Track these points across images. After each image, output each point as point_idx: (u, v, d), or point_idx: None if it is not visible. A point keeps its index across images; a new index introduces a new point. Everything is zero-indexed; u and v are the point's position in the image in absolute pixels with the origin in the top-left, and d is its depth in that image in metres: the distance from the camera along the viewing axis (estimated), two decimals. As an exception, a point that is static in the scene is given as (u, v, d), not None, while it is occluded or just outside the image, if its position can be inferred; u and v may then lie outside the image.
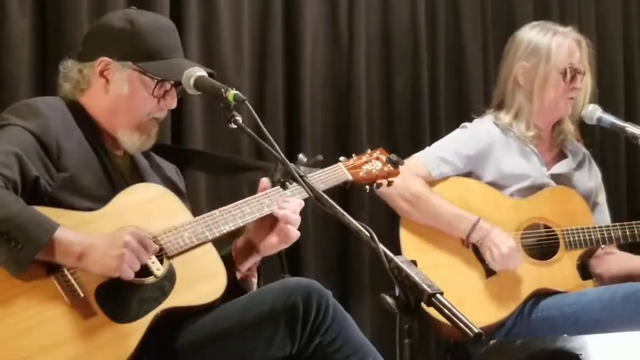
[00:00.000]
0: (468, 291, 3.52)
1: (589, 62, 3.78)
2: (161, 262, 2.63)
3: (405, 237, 3.61)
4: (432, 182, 3.66)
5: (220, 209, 2.75)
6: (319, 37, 4.18)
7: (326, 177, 2.93)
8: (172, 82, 2.77)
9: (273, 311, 2.61)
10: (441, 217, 3.59)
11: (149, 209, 2.68)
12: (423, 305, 2.06)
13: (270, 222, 2.82)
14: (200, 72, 2.66)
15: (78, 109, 2.78)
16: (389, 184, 3.11)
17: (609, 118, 3.70)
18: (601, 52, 4.82)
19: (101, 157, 2.75)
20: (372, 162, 3.07)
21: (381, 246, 2.16)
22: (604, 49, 4.87)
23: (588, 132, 4.11)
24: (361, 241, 2.24)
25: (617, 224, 3.68)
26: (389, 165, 3.09)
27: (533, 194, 3.68)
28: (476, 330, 2.00)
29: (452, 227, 3.58)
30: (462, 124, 3.83)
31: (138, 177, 2.85)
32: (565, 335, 2.58)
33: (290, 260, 3.53)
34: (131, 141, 2.79)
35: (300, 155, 3.05)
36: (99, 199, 2.65)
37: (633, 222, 3.65)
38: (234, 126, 2.53)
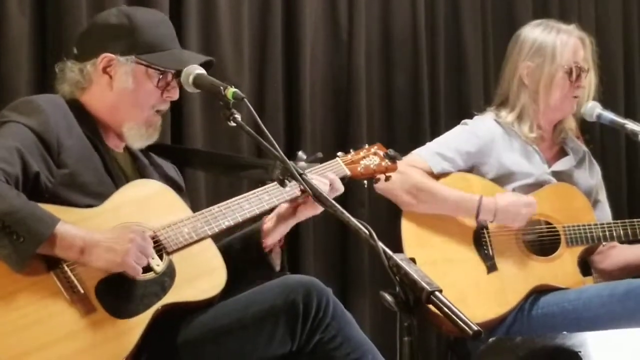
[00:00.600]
0: (469, 286, 3.52)
1: (592, 59, 3.78)
2: (161, 258, 2.64)
3: (407, 231, 3.61)
4: (434, 178, 3.65)
5: (219, 204, 2.75)
6: (319, 35, 4.18)
7: (324, 173, 2.93)
8: (173, 72, 2.79)
9: (273, 308, 2.62)
10: (445, 202, 3.58)
11: (148, 205, 2.68)
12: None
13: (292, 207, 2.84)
14: (199, 69, 2.68)
15: (78, 106, 2.79)
16: (387, 179, 3.11)
17: (609, 115, 3.71)
18: (601, 51, 4.83)
19: (102, 154, 2.75)
20: (370, 157, 3.07)
21: (380, 244, 2.17)
22: (604, 47, 4.87)
23: (588, 130, 4.11)
24: (360, 239, 2.24)
25: (618, 221, 3.68)
26: (387, 161, 3.09)
27: (534, 191, 3.67)
28: (475, 328, 2.01)
29: (458, 209, 3.58)
30: (463, 121, 3.83)
31: (138, 174, 2.86)
32: (565, 332, 2.57)
33: (290, 257, 3.52)
34: (138, 134, 2.81)
35: (300, 153, 3.05)
36: (99, 196, 2.66)
37: (634, 220, 3.65)
38: (233, 124, 2.54)
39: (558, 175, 3.75)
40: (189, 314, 2.67)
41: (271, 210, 2.84)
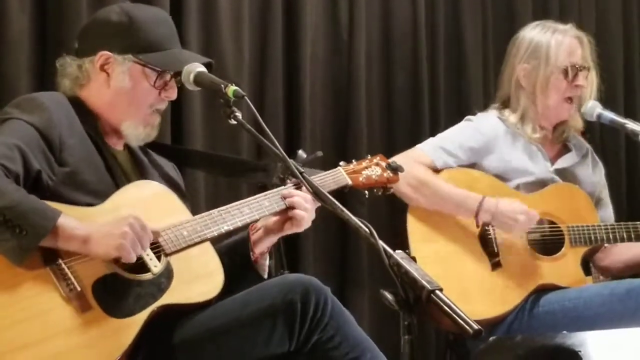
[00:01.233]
0: (472, 283, 3.53)
1: (592, 58, 3.76)
2: (159, 259, 2.63)
3: (413, 225, 3.61)
4: (438, 173, 3.65)
5: (219, 208, 2.74)
6: (319, 33, 4.18)
7: (325, 181, 2.93)
8: (172, 72, 2.78)
9: (271, 308, 2.61)
10: (447, 199, 3.58)
11: (148, 206, 2.67)
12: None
13: (282, 215, 2.85)
14: (200, 67, 2.68)
15: (79, 104, 2.78)
16: (387, 190, 3.11)
17: (609, 114, 3.70)
18: (601, 50, 4.83)
19: (102, 152, 2.75)
20: (372, 168, 3.08)
21: (380, 242, 2.16)
22: (604, 47, 4.87)
23: (589, 129, 4.10)
24: (360, 237, 2.24)
25: (622, 223, 3.68)
26: (389, 172, 3.10)
27: (537, 189, 3.67)
28: (476, 327, 2.00)
29: (459, 208, 3.58)
30: (467, 117, 3.83)
31: (138, 173, 2.86)
32: (565, 331, 2.57)
33: (289, 256, 3.52)
34: (136, 133, 2.80)
35: (300, 152, 3.05)
36: (100, 195, 2.66)
37: (638, 222, 3.65)
38: (234, 122, 2.54)
39: (561, 172, 3.75)
40: (186, 314, 2.66)
41: (272, 216, 2.85)
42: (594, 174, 3.86)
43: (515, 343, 2.47)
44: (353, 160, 3.10)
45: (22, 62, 3.39)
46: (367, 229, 2.21)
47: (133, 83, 2.77)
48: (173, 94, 2.83)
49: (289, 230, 2.86)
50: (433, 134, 3.95)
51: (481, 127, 3.73)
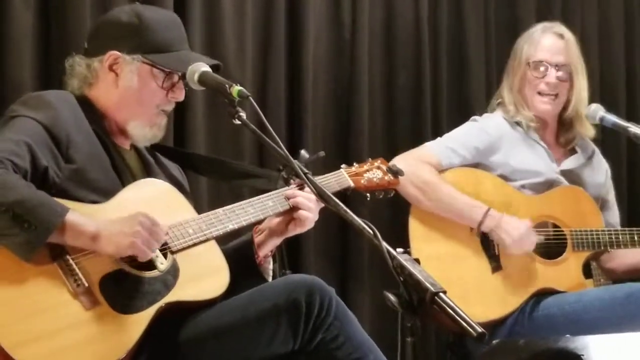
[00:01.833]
0: (472, 285, 3.53)
1: (578, 59, 3.74)
2: (165, 256, 2.64)
3: (415, 225, 3.61)
4: (443, 172, 3.66)
5: (224, 207, 2.75)
6: (322, 33, 4.18)
7: (328, 182, 2.94)
8: (180, 74, 2.79)
9: (275, 307, 2.62)
10: (452, 205, 3.58)
11: (154, 204, 2.68)
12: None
13: (286, 216, 2.86)
14: (205, 67, 2.68)
15: (87, 103, 2.79)
16: (387, 193, 3.12)
17: (612, 118, 3.69)
18: (603, 53, 4.84)
19: (109, 151, 2.75)
20: (373, 171, 3.10)
21: (384, 244, 2.17)
22: (606, 49, 4.88)
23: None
24: (364, 239, 2.24)
25: (625, 228, 3.68)
26: (390, 175, 3.12)
27: (543, 190, 3.68)
28: (479, 330, 2.01)
29: (463, 215, 3.58)
30: (473, 117, 3.84)
31: (145, 172, 2.86)
32: (567, 335, 2.57)
33: (291, 256, 3.53)
34: (142, 133, 2.81)
35: (303, 152, 3.05)
36: (105, 193, 2.66)
37: None
38: (238, 122, 2.54)
39: (567, 174, 3.75)
40: (191, 312, 2.67)
41: (275, 217, 2.87)
42: (600, 176, 3.86)
43: (518, 346, 2.47)
44: (354, 163, 3.12)
45: (26, 60, 3.40)
46: (370, 231, 2.21)
47: (141, 83, 2.78)
48: (180, 95, 2.84)
49: (293, 231, 2.88)
50: (435, 135, 3.95)
51: (487, 127, 3.74)
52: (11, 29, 3.36)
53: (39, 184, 2.54)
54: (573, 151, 3.83)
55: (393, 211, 3.95)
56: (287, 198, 2.84)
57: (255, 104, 2.52)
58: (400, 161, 3.49)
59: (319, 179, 2.89)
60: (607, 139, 4.68)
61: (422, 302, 2.09)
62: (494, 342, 2.50)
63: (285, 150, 2.47)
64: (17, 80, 3.36)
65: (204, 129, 3.77)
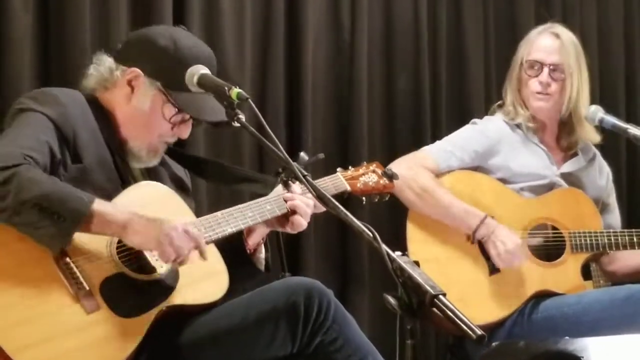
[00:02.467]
0: (470, 287, 3.53)
1: (574, 62, 3.72)
2: None
3: (412, 227, 3.61)
4: (442, 175, 3.66)
5: (222, 211, 2.75)
6: (321, 35, 4.18)
7: (325, 186, 2.94)
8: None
9: (274, 310, 2.62)
10: (448, 211, 3.58)
11: (153, 207, 2.67)
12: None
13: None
14: (204, 69, 2.67)
15: (97, 104, 2.80)
16: (382, 197, 3.13)
17: (611, 119, 3.68)
18: (602, 53, 4.84)
19: (113, 153, 2.76)
20: (369, 175, 3.11)
21: (384, 246, 2.16)
22: (605, 50, 4.88)
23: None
24: (363, 241, 2.24)
25: (624, 230, 3.68)
26: (385, 179, 3.13)
27: (542, 192, 3.68)
28: (479, 333, 2.01)
29: (459, 222, 3.57)
30: (473, 120, 3.84)
31: (147, 174, 2.87)
32: (567, 337, 2.57)
33: (290, 259, 3.53)
34: (138, 154, 2.80)
35: (302, 154, 3.05)
36: (106, 193, 2.65)
37: None
38: (237, 124, 2.53)
39: (567, 176, 3.75)
40: (191, 316, 2.67)
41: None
42: (600, 179, 3.86)
43: (518, 348, 2.47)
44: (350, 167, 3.13)
45: (25, 61, 3.39)
46: (370, 233, 2.21)
47: (152, 109, 2.77)
48: (184, 134, 2.83)
49: (283, 228, 2.88)
50: (434, 137, 3.95)
51: (486, 130, 3.74)
52: (10, 30, 3.36)
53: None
54: (574, 154, 3.83)
55: (392, 213, 3.95)
56: (286, 201, 2.83)
57: (254, 106, 2.52)
58: (398, 165, 3.51)
59: (317, 182, 2.89)
60: (606, 140, 4.69)
61: (422, 304, 2.08)
62: (493, 344, 2.50)
63: (285, 153, 2.46)
64: (16, 80, 3.36)
65: (204, 131, 3.77)
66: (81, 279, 2.50)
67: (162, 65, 2.75)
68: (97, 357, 2.47)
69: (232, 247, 2.86)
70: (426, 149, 3.72)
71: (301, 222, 2.84)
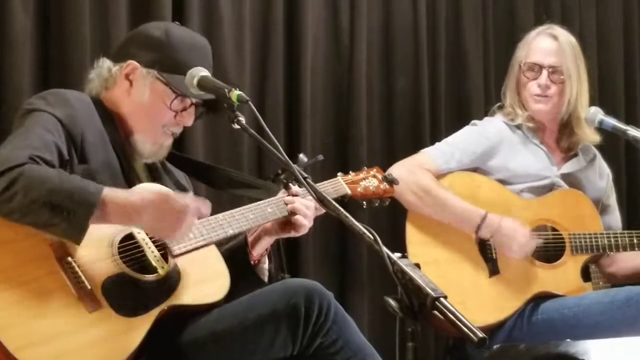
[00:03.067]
0: (470, 289, 3.53)
1: (572, 65, 3.72)
2: (166, 260, 2.64)
3: (412, 229, 3.62)
4: (442, 176, 3.66)
5: (224, 213, 2.77)
6: (320, 37, 4.18)
7: (325, 190, 2.94)
8: (194, 100, 2.80)
9: (275, 312, 2.62)
10: (449, 211, 3.58)
11: None
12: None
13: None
14: (204, 72, 2.68)
15: (101, 105, 2.81)
16: (383, 202, 3.14)
17: (611, 121, 3.69)
18: (601, 56, 4.84)
19: (119, 155, 2.77)
20: (369, 179, 3.13)
21: (385, 249, 2.16)
22: (605, 52, 4.88)
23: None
24: (364, 243, 2.24)
25: (624, 231, 3.69)
26: (385, 184, 3.14)
27: (542, 193, 3.68)
28: (480, 335, 2.00)
29: (461, 221, 3.57)
30: (472, 122, 3.84)
31: (151, 177, 2.88)
32: (567, 339, 2.57)
33: (291, 261, 3.53)
34: (144, 147, 2.82)
35: (301, 155, 3.05)
36: None
37: None
38: (237, 127, 2.54)
39: (567, 177, 3.75)
40: (192, 316, 2.67)
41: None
42: (601, 180, 3.86)
43: (518, 351, 2.46)
44: (350, 171, 3.14)
45: (25, 61, 3.40)
46: (371, 235, 2.21)
47: (152, 99, 2.79)
48: (188, 121, 2.85)
49: (287, 234, 2.90)
50: (433, 140, 3.95)
51: (486, 132, 3.74)
52: (10, 33, 3.36)
53: None
54: (574, 155, 3.83)
55: (392, 215, 3.95)
56: (286, 204, 2.84)
57: (254, 108, 2.52)
58: (398, 168, 3.51)
59: (318, 186, 2.89)
60: (606, 141, 4.69)
61: (423, 307, 2.08)
62: (494, 347, 2.50)
63: (285, 155, 2.46)
64: (16, 84, 3.35)
65: (203, 133, 3.77)
66: (83, 278, 2.50)
67: (156, 53, 2.79)
68: (98, 356, 2.47)
69: (236, 258, 2.88)
70: (425, 151, 3.72)
71: (303, 223, 2.85)
